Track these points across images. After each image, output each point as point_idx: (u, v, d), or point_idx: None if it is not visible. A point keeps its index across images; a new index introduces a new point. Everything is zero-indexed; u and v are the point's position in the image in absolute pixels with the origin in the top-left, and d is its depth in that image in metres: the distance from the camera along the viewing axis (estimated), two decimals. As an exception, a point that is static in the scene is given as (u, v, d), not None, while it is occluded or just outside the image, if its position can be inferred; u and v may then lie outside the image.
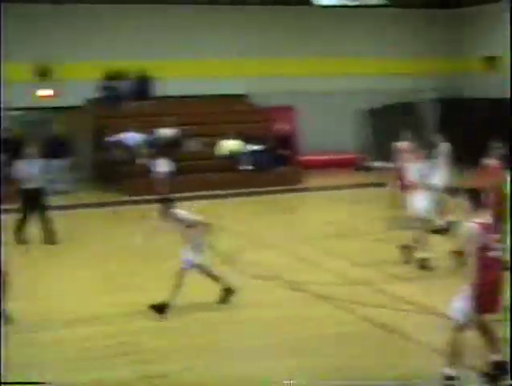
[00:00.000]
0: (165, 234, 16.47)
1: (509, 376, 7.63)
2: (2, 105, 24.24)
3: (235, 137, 24.50)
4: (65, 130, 24.14)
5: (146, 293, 11.24)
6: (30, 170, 16.06)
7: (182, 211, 10.69)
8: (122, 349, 9.11)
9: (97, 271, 13.49)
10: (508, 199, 10.80)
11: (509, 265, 8.70)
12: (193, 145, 24.86)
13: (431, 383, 7.77)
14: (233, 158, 24.10)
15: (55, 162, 23.13)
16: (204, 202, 20.97)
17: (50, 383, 7.84)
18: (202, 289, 11.32)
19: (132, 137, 23.86)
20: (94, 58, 25.52)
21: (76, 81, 25.23)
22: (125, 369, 8.50)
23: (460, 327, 7.52)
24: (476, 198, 7.68)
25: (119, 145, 24.02)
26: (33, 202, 16.01)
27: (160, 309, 10.29)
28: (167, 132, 24.50)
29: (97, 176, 25.96)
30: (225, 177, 23.24)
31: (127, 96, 26.12)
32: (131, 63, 25.94)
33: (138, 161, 23.56)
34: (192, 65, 26.68)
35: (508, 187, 11.18)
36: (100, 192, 23.80)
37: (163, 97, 26.18)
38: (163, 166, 22.86)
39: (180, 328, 9.95)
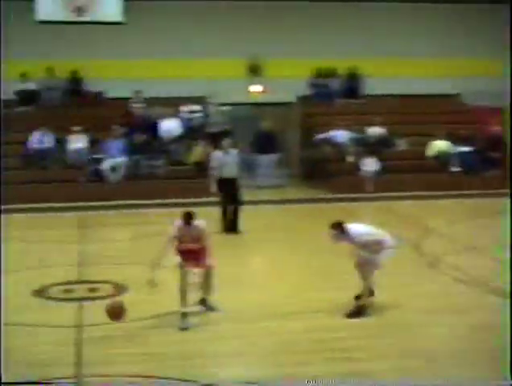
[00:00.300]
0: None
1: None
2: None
3: (444, 138, 23.91)
4: (274, 126, 24.48)
5: (344, 291, 11.17)
6: (225, 160, 16.85)
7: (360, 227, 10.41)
8: (323, 345, 9.06)
9: (301, 266, 13.54)
10: None
11: None
12: (401, 145, 24.52)
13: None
14: (441, 158, 23.51)
15: (264, 158, 23.60)
16: (407, 202, 20.68)
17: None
18: (402, 292, 11.13)
19: (341, 135, 23.84)
20: (304, 55, 25.70)
21: (285, 78, 25.53)
22: (327, 365, 8.44)
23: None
24: None
25: (328, 142, 24.10)
26: (228, 190, 16.85)
27: (357, 313, 10.16)
28: (375, 130, 24.32)
29: (304, 172, 26.20)
30: (432, 178, 22.71)
31: (337, 94, 26.18)
32: (341, 61, 25.94)
33: (347, 159, 23.51)
34: (401, 64, 26.27)
35: None
36: (306, 188, 23.97)
37: (373, 96, 26.01)
38: (370, 164, 22.77)
39: (382, 326, 9.77)
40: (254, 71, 26.32)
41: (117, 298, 10.24)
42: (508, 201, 18.65)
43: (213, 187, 17.00)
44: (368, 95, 26.13)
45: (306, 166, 26.27)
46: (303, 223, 18.99)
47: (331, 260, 13.33)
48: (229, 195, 16.91)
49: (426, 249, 14.28)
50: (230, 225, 16.76)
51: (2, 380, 7.80)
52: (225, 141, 17.37)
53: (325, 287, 11.77)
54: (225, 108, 26.81)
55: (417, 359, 8.63)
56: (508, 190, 20.08)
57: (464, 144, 23.87)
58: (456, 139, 23.90)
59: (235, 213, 16.91)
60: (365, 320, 10.03)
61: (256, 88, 26.46)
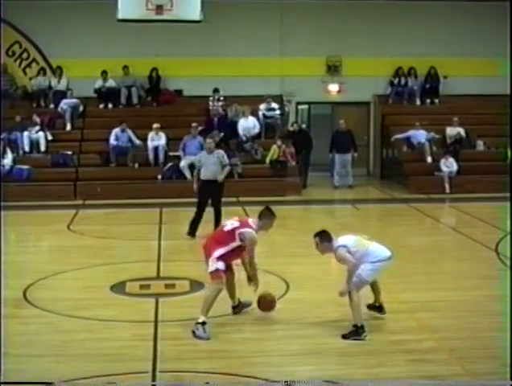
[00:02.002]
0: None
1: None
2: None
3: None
4: (351, 125, 24.35)
5: (425, 292, 11.05)
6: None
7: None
8: (403, 346, 8.97)
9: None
10: None
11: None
12: (481, 146, 24.13)
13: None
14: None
15: (341, 157, 23.49)
16: (486, 204, 20.32)
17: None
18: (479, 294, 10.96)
19: (419, 135, 23.59)
20: (383, 54, 25.50)
21: (364, 77, 25.40)
22: (405, 367, 8.35)
23: None
24: None
25: (406, 142, 23.88)
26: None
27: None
28: (454, 131, 23.99)
29: (382, 172, 26.04)
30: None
31: (416, 94, 25.90)
32: (420, 60, 25.65)
33: (425, 159, 23.24)
34: (480, 64, 25.82)
35: None
36: (383, 188, 23.80)
37: (452, 96, 25.67)
38: (449, 165, 22.49)
39: (461, 329, 9.62)
40: (332, 70, 26.23)
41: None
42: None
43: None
44: (447, 95, 25.79)
45: (383, 166, 26.12)
46: (378, 223, 18.87)
47: (402, 261, 13.23)
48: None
49: (503, 252, 14.01)
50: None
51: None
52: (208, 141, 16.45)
53: (402, 287, 11.63)
54: (303, 106, 26.81)
55: (493, 362, 8.48)
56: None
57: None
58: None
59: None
60: (441, 322, 9.87)
61: (334, 87, 26.37)
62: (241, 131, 23.23)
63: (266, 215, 10.08)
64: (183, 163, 21.98)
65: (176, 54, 24.76)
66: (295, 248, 14.70)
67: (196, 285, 11.71)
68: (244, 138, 23.07)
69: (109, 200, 20.37)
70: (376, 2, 25.58)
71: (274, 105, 24.38)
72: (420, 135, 23.60)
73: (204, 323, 9.26)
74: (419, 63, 25.75)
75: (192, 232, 15.64)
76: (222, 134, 22.55)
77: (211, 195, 15.72)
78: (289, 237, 15.63)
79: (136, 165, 22.46)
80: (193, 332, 9.24)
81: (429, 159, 23.22)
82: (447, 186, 22.16)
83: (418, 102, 25.91)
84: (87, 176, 21.83)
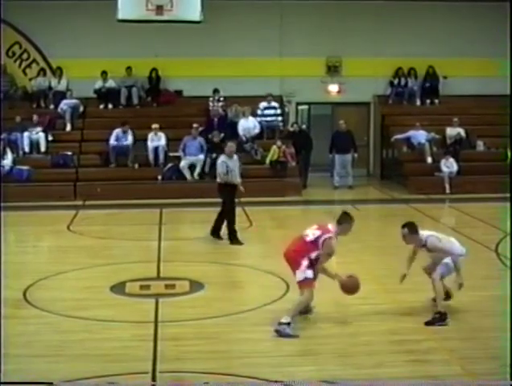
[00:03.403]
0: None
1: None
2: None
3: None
4: (351, 126, 24.36)
5: (422, 293, 11.06)
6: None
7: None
8: (403, 347, 8.97)
9: (375, 267, 13.42)
10: None
11: None
12: (481, 146, 24.14)
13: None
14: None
15: (341, 157, 23.49)
16: (486, 204, 20.31)
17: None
18: (480, 295, 10.96)
19: (419, 135, 23.59)
20: (382, 55, 25.51)
21: (364, 77, 25.42)
22: (405, 367, 8.35)
23: None
24: None
25: (406, 142, 23.89)
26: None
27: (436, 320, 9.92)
28: (454, 131, 24.00)
29: (382, 173, 26.05)
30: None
31: (416, 94, 25.91)
32: (420, 60, 25.66)
33: (425, 159, 23.24)
34: (480, 64, 25.82)
35: None
36: (383, 188, 23.81)
37: (452, 96, 25.68)
38: (449, 165, 22.49)
39: (458, 331, 9.62)
40: (332, 71, 26.24)
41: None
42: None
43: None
44: (447, 95, 25.80)
45: (384, 167, 26.12)
46: (377, 224, 18.88)
47: (397, 261, 13.26)
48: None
49: (503, 252, 14.01)
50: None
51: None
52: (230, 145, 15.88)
53: (397, 289, 11.63)
54: (303, 107, 26.82)
55: (493, 363, 8.48)
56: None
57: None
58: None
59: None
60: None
61: (333, 88, 26.37)
62: (241, 131, 23.22)
63: (346, 220, 10.28)
64: (183, 164, 22.00)
65: (176, 54, 24.76)
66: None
67: (195, 285, 11.72)
68: (244, 139, 23.06)
69: (109, 201, 20.36)
70: (376, 2, 25.57)
71: (275, 104, 24.40)
72: (420, 135, 23.60)
73: (289, 324, 9.33)
74: (419, 63, 25.76)
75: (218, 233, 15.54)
76: (222, 135, 22.55)
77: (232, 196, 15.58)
78: (289, 238, 15.57)
79: (136, 165, 22.46)
80: (277, 331, 9.28)
81: (429, 160, 23.22)
82: (447, 186, 22.16)
83: (418, 102, 25.93)
84: (87, 177, 21.83)
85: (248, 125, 23.34)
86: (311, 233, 9.98)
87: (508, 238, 15.07)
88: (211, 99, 24.17)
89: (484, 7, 25.73)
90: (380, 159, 26.49)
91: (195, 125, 22.48)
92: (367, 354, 8.77)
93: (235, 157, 15.61)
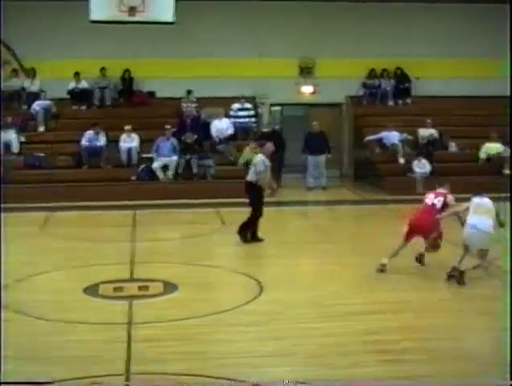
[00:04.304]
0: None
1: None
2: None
3: (497, 140, 23.59)
4: (324, 127, 24.42)
5: (396, 292, 11.11)
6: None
7: None
8: (378, 347, 9.00)
9: (352, 267, 13.47)
10: None
11: None
12: (453, 147, 24.31)
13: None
14: (494, 161, 23.18)
15: (314, 158, 23.54)
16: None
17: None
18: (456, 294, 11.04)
19: (392, 136, 23.71)
20: (355, 56, 25.62)
21: (336, 78, 25.50)
22: (378, 367, 8.37)
23: None
24: None
25: (379, 143, 24.00)
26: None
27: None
28: (427, 132, 24.14)
29: (355, 173, 26.13)
30: (485, 180, 22.34)
31: (389, 95, 26.04)
32: (392, 61, 25.82)
33: (398, 160, 23.35)
34: (454, 65, 26.02)
35: None
36: (356, 189, 23.90)
37: (423, 97, 25.84)
38: (422, 166, 22.61)
39: (434, 330, 9.67)
40: (305, 72, 26.30)
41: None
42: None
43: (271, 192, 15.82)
44: (419, 96, 25.96)
45: (357, 168, 26.21)
46: (350, 224, 18.93)
47: (379, 261, 13.33)
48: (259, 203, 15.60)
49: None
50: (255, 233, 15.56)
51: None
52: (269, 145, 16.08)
53: (374, 288, 11.69)
54: (276, 108, 26.86)
55: (469, 362, 8.53)
56: None
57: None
58: (509, 141, 23.55)
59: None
60: (419, 322, 9.94)
61: (307, 89, 26.43)
62: (214, 133, 23.23)
63: None
64: (155, 165, 21.97)
65: (149, 55, 24.72)
66: (269, 249, 14.73)
67: (169, 286, 11.69)
68: (217, 140, 23.06)
69: (82, 202, 20.26)
70: (349, 3, 25.68)
71: (248, 105, 24.42)
72: (393, 136, 23.72)
73: None
74: (392, 64, 25.92)
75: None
76: (195, 136, 22.54)
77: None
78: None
79: (109, 166, 22.39)
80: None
81: (402, 160, 23.33)
82: (420, 187, 22.25)
83: (390, 103, 26.06)
84: (60, 178, 21.70)
85: (221, 126, 23.36)
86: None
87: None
88: (184, 100, 24.14)
89: (455, 8, 25.94)
90: (353, 160, 26.59)
91: (168, 126, 22.45)
92: (342, 354, 8.77)
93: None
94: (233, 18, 25.46)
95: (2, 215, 17.13)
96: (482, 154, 23.56)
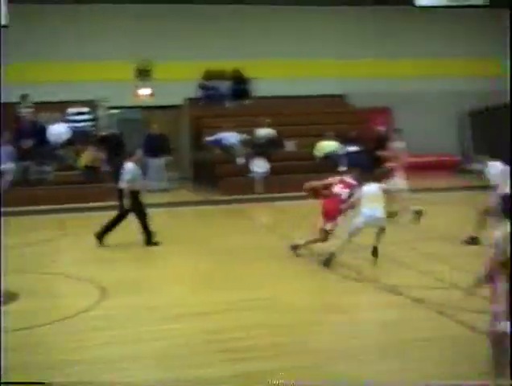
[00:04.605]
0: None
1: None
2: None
3: (332, 138, 24.34)
4: (164, 129, 24.47)
5: (243, 291, 11.32)
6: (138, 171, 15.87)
7: None
8: (221, 346, 9.14)
9: (194, 268, 13.60)
10: None
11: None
12: (290, 146, 24.88)
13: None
14: (330, 159, 23.91)
15: (154, 161, 23.55)
16: (297, 203, 20.92)
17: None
18: (290, 290, 11.35)
19: (230, 137, 24.01)
20: (192, 58, 25.81)
21: (174, 81, 25.58)
22: (223, 366, 8.51)
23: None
24: None
25: (217, 144, 24.25)
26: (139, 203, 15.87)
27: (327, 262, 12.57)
28: (264, 132, 24.59)
29: (195, 175, 26.31)
30: (321, 178, 22.96)
31: (226, 96, 26.34)
32: (229, 63, 26.14)
33: (236, 160, 23.68)
34: (290, 65, 26.65)
35: None
36: (197, 191, 24.07)
37: (262, 97, 26.30)
38: (260, 166, 23.02)
39: (280, 326, 9.91)
40: (143, 74, 26.24)
41: None
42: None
43: (127, 203, 15.36)
44: (256, 96, 26.40)
45: (196, 169, 26.38)
46: (191, 226, 19.04)
47: (218, 261, 13.57)
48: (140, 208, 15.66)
49: (315, 247, 14.53)
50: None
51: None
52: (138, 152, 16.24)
53: (219, 288, 11.85)
54: (114, 111, 26.66)
55: (308, 357, 8.79)
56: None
57: (352, 144, 24.33)
58: (344, 139, 24.36)
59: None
60: (262, 320, 10.14)
61: (145, 91, 26.38)
62: (51, 137, 22.82)
63: None
64: (-11, 171, 21.42)
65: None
66: (112, 254, 14.65)
67: (9, 295, 11.42)
68: (55, 145, 22.68)
69: None
70: (185, 5, 25.86)
71: (85, 109, 24.15)
72: (231, 137, 24.02)
73: None
74: (229, 65, 26.22)
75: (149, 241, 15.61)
76: (32, 142, 22.08)
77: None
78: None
79: None
80: None
81: (240, 160, 23.66)
82: (258, 186, 22.69)
83: (228, 104, 26.36)
84: None
85: (59, 130, 22.97)
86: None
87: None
88: (19, 105, 23.59)
89: (288, 10, 26.62)
90: (193, 162, 26.76)
91: (3, 132, 21.88)
92: (187, 355, 8.85)
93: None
94: (71, 20, 25.09)
95: None
96: (318, 152, 24.22)
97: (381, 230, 13.18)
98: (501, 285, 7.08)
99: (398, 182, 17.55)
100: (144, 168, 23.67)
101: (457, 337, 9.24)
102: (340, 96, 27.44)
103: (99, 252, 14.81)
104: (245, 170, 23.17)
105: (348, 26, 27.61)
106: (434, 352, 8.74)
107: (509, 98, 25.18)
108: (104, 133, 23.96)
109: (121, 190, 15.46)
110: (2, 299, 10.33)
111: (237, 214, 19.62)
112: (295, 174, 23.12)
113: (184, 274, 13.14)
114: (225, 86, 26.36)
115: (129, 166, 15.50)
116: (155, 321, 10.16)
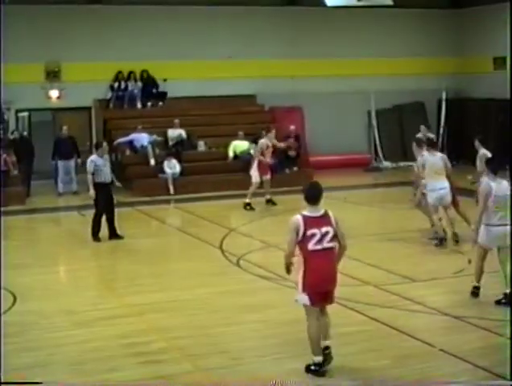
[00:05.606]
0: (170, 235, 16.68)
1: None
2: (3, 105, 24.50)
3: (244, 138, 24.44)
4: (74, 131, 24.17)
5: (157, 293, 11.33)
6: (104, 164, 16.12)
7: None
8: (135, 349, 9.12)
9: (102, 272, 13.54)
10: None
11: None
12: (201, 146, 24.89)
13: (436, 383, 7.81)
14: (242, 158, 23.98)
15: (64, 163, 23.25)
16: (209, 203, 21.00)
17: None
18: (209, 292, 11.43)
19: (141, 138, 23.88)
20: (102, 59, 25.55)
21: (84, 82, 25.28)
22: (137, 369, 8.50)
23: None
24: None
25: (128, 145, 24.09)
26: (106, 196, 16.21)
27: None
28: (176, 133, 24.55)
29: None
30: (234, 178, 23.09)
31: (137, 97, 26.15)
32: (141, 64, 25.97)
33: (148, 161, 23.57)
34: (201, 66, 26.63)
35: None
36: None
37: (173, 98, 26.22)
38: (172, 166, 22.97)
39: (193, 328, 9.94)
40: (53, 76, 25.86)
41: None
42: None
43: (92, 192, 15.80)
44: (168, 97, 26.30)
45: (108, 171, 26.13)
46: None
47: (129, 264, 13.56)
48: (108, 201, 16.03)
49: (227, 249, 14.61)
50: (112, 231, 15.96)
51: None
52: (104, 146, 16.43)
53: (133, 291, 11.83)
54: (23, 114, 26.20)
55: (223, 357, 8.86)
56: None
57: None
58: (255, 139, 24.41)
59: (113, 218, 16.09)
60: (173, 322, 10.16)
61: (54, 93, 26.00)
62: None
63: None
64: None
65: None
66: (22, 259, 14.43)
67: None
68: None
69: None
70: (91, 6, 25.62)
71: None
72: (142, 138, 23.89)
73: None
74: (138, 66, 26.04)
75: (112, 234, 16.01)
76: None
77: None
78: (14, 248, 15.26)
79: None
80: None
81: (152, 162, 23.53)
82: (171, 187, 22.64)
83: (139, 105, 26.17)
84: None
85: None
86: None
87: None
88: None
89: (201, 10, 26.66)
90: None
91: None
92: (100, 359, 8.85)
93: (105, 156, 16.18)
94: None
95: None
96: (231, 152, 24.30)
97: None
98: None
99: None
100: (54, 171, 23.54)
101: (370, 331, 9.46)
102: (252, 96, 27.54)
103: (7, 257, 14.55)
104: (157, 171, 23.05)
105: (261, 26, 27.70)
106: (350, 347, 8.91)
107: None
108: (12, 137, 23.54)
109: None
110: (1, 302, 10.08)
111: (147, 215, 19.53)
112: (206, 174, 23.19)
113: (93, 277, 13.08)
114: (135, 87, 26.16)
115: (91, 157, 15.98)
116: (65, 326, 10.12)
